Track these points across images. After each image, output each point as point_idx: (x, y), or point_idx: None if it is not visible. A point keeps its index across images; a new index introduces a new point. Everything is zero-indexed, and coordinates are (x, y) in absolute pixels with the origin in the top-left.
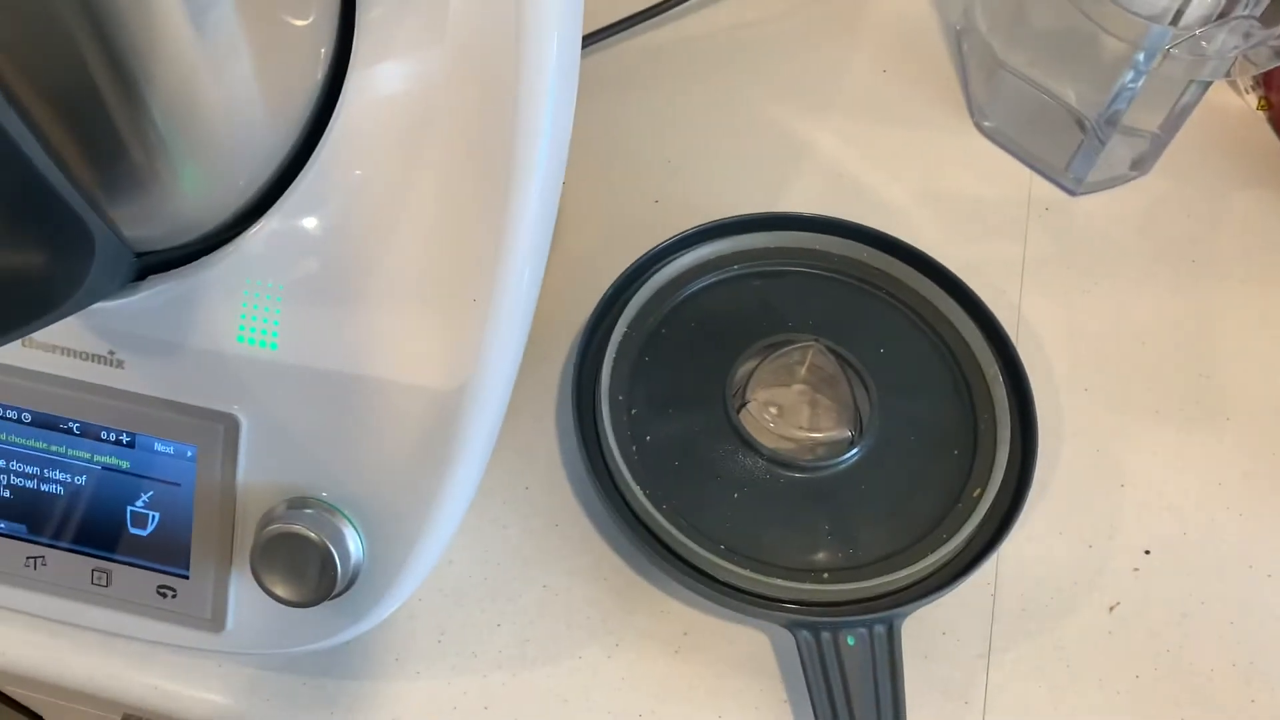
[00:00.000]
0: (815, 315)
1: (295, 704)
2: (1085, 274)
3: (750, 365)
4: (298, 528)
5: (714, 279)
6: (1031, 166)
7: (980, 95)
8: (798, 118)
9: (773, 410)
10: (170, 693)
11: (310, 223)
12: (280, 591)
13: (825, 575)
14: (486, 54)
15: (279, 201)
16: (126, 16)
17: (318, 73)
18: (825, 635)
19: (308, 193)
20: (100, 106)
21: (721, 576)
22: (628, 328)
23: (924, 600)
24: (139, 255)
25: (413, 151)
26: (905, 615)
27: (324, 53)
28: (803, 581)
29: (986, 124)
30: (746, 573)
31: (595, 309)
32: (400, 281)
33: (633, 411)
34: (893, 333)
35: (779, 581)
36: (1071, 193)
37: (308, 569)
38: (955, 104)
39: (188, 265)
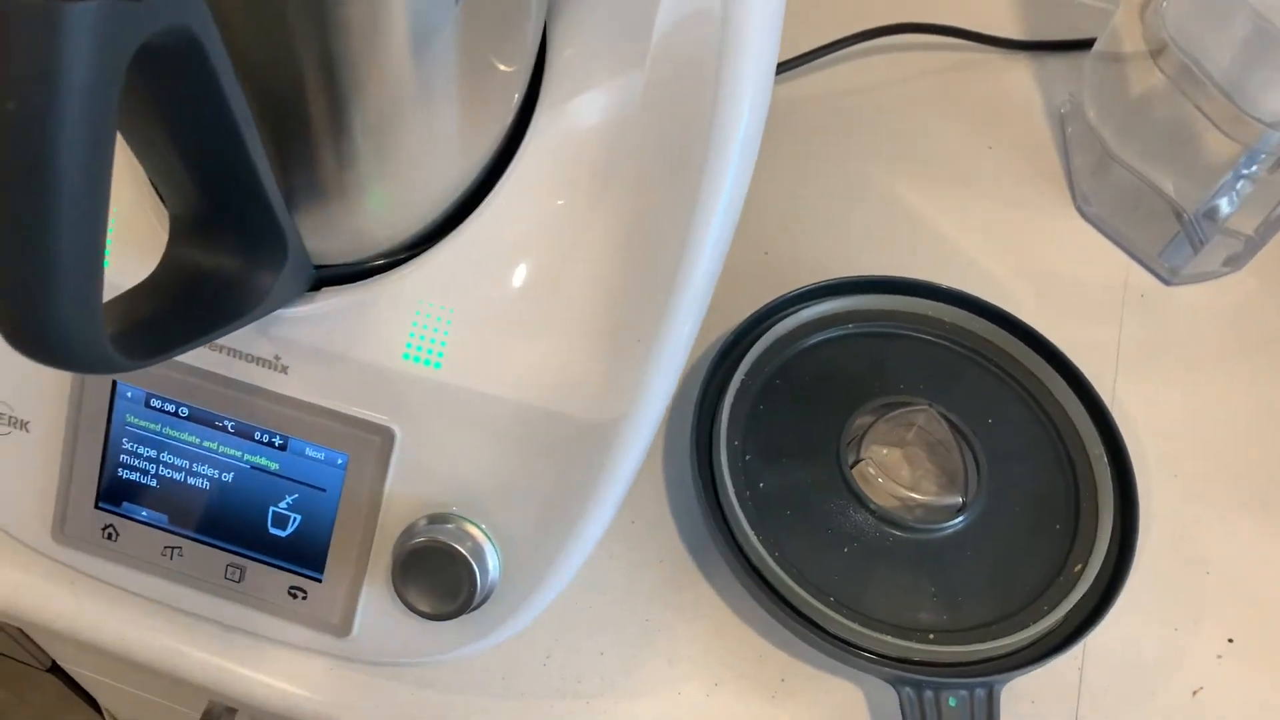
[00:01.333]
0: (926, 380)
1: (399, 713)
2: (1178, 362)
3: (864, 422)
4: (445, 541)
5: (829, 335)
6: (1129, 253)
7: (1083, 179)
8: (904, 185)
9: (885, 470)
10: (275, 689)
11: (487, 251)
12: (419, 603)
13: (930, 636)
14: (679, 99)
15: (458, 228)
16: (353, 37)
17: (511, 109)
18: (928, 694)
19: (487, 222)
20: (310, 121)
21: (831, 628)
22: (745, 376)
23: (1024, 669)
24: (317, 267)
25: (594, 189)
26: (1005, 682)
27: (518, 95)
28: (909, 640)
29: (1088, 208)
30: (856, 626)
31: (715, 356)
32: (569, 316)
33: (747, 458)
34: (1000, 404)
35: (887, 638)
36: (1167, 282)
37: (448, 583)
38: (1057, 184)
39: (362, 281)
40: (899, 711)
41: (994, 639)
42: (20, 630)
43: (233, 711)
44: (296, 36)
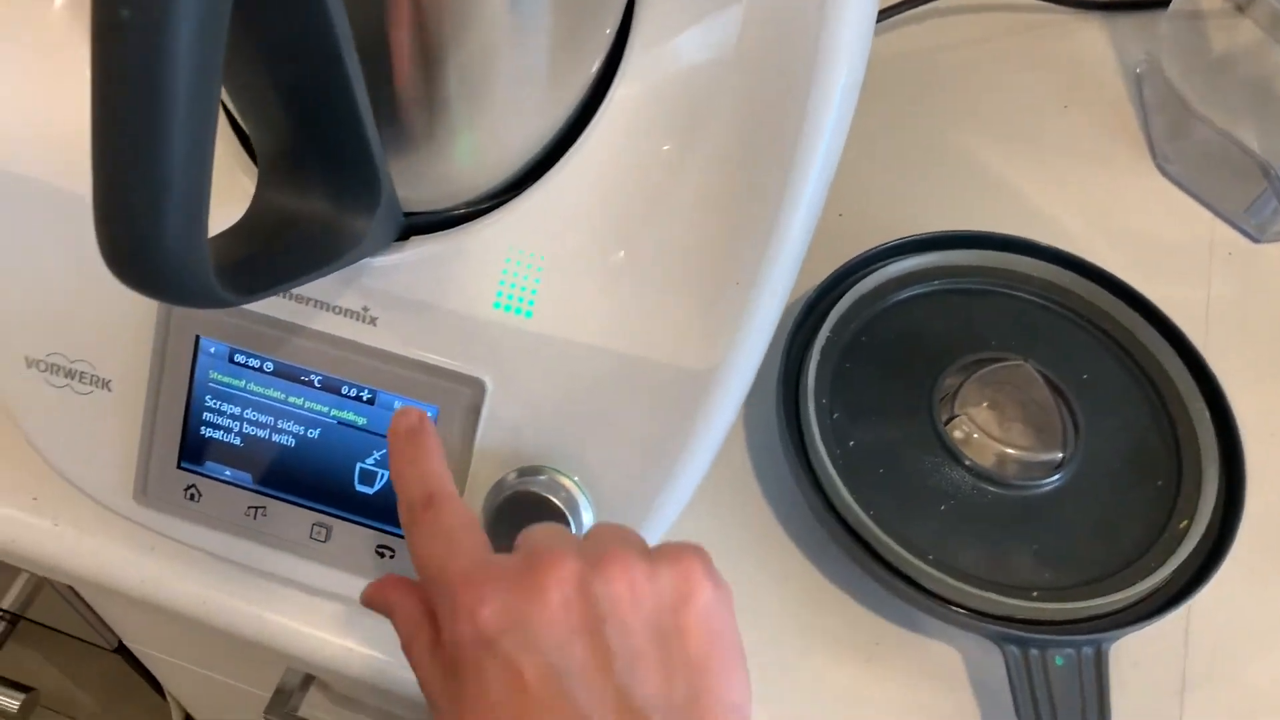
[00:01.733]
0: (1016, 336)
1: None
2: (1272, 320)
3: (956, 380)
4: (539, 492)
5: (915, 292)
6: (1214, 211)
7: (1162, 138)
8: (979, 143)
9: (980, 426)
10: (358, 654)
11: (578, 196)
12: None
13: (1034, 594)
14: (781, 35)
15: (549, 173)
16: None
17: (603, 52)
18: (1034, 652)
19: (579, 167)
20: (405, 63)
21: (933, 586)
22: (830, 333)
23: (1132, 627)
24: (405, 215)
25: (688, 130)
26: (1114, 640)
27: (609, 32)
28: (1012, 597)
29: (1169, 166)
30: (958, 584)
31: (798, 314)
32: (664, 260)
33: (835, 417)
34: (1094, 359)
35: (991, 595)
36: (1255, 240)
37: None
38: (1135, 143)
39: (452, 229)
40: (999, 674)
41: (1100, 596)
42: (89, 608)
43: (305, 688)
44: None
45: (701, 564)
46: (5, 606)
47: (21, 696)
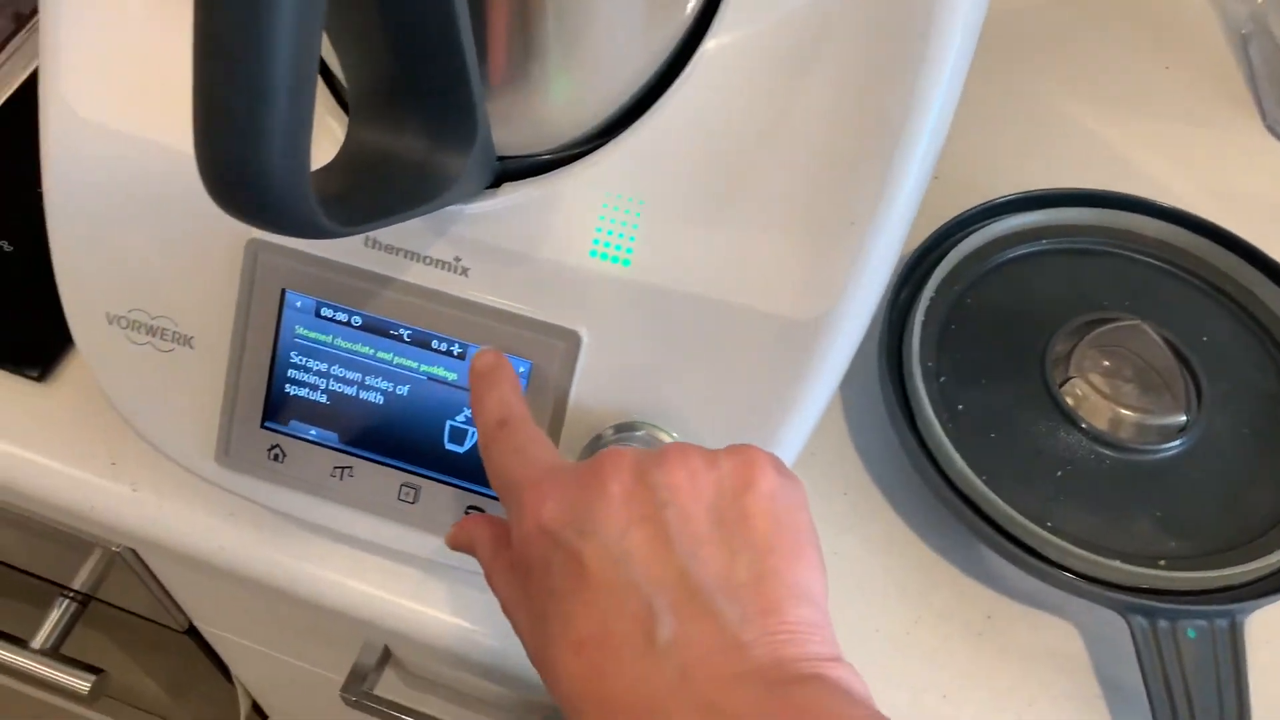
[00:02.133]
0: (1130, 297)
1: None
2: None
3: (1070, 342)
4: (637, 447)
5: (1022, 252)
6: None
7: (1271, 99)
8: (1078, 104)
9: (1096, 388)
10: (447, 624)
11: (679, 137)
12: None
13: (1161, 562)
14: None
15: (647, 114)
16: None
17: None
18: (1163, 624)
19: (679, 107)
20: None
21: (1053, 555)
22: (933, 294)
23: (1270, 598)
24: (499, 159)
25: (797, 66)
26: (1249, 612)
27: None
28: (1139, 565)
29: (1279, 127)
30: (1081, 552)
31: (899, 274)
32: (772, 203)
33: (941, 380)
34: (1214, 320)
35: (1115, 563)
36: None
37: None
38: (1242, 104)
39: (546, 174)
40: (1123, 649)
41: (1231, 565)
42: (160, 586)
43: (381, 668)
44: None
45: (765, 455)
46: (76, 587)
47: (92, 679)
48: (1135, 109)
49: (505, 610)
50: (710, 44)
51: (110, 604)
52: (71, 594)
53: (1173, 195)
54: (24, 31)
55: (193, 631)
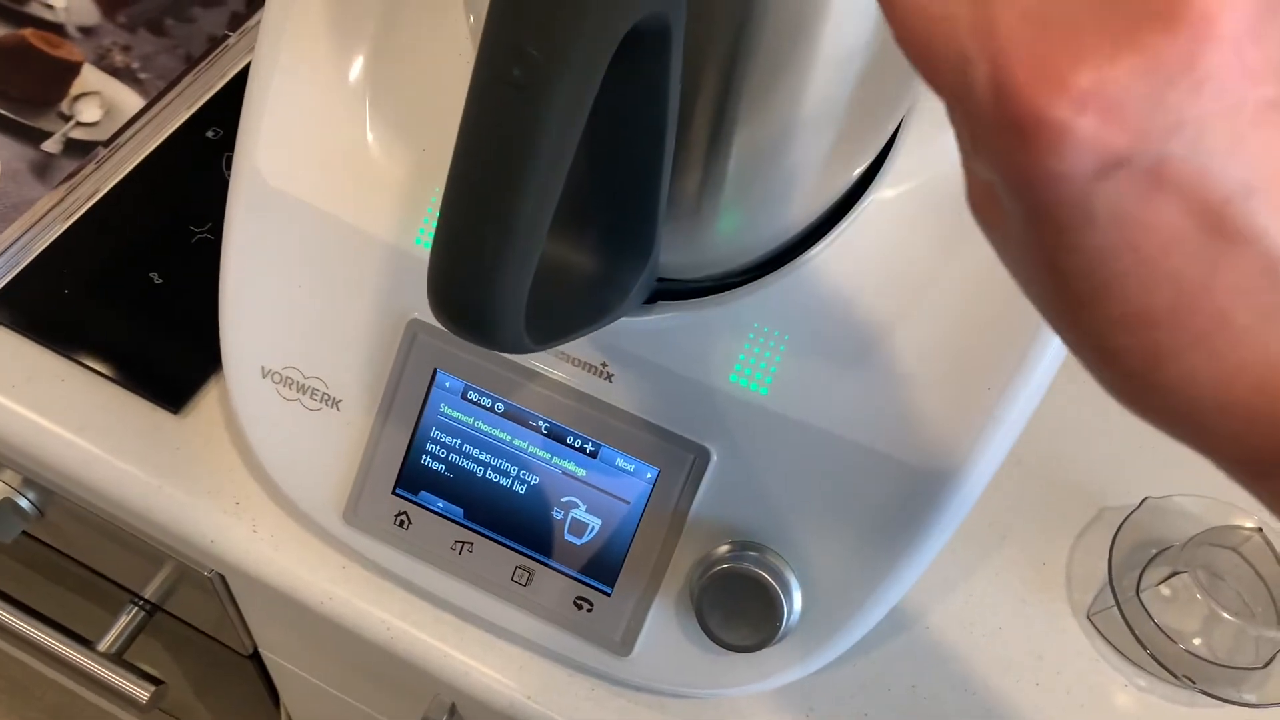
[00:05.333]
0: None
1: None
2: None
3: None
4: (755, 570)
5: None
6: None
7: None
8: None
9: None
10: (533, 709)
11: (832, 281)
12: (723, 632)
13: None
14: None
15: (804, 255)
16: (770, 54)
17: (879, 146)
18: None
19: (836, 251)
20: (695, 136)
21: None
22: None
23: None
24: (657, 280)
25: (954, 226)
26: None
27: (891, 127)
28: None
29: None
30: None
31: None
32: (912, 356)
33: None
34: None
35: None
36: None
37: (755, 614)
38: None
39: (701, 298)
40: None
41: None
42: (235, 607)
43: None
44: (720, 43)
45: None
46: (146, 596)
47: (152, 689)
48: None
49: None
50: (873, 197)
51: (176, 616)
52: (141, 602)
53: None
54: (192, 72)
55: (254, 656)
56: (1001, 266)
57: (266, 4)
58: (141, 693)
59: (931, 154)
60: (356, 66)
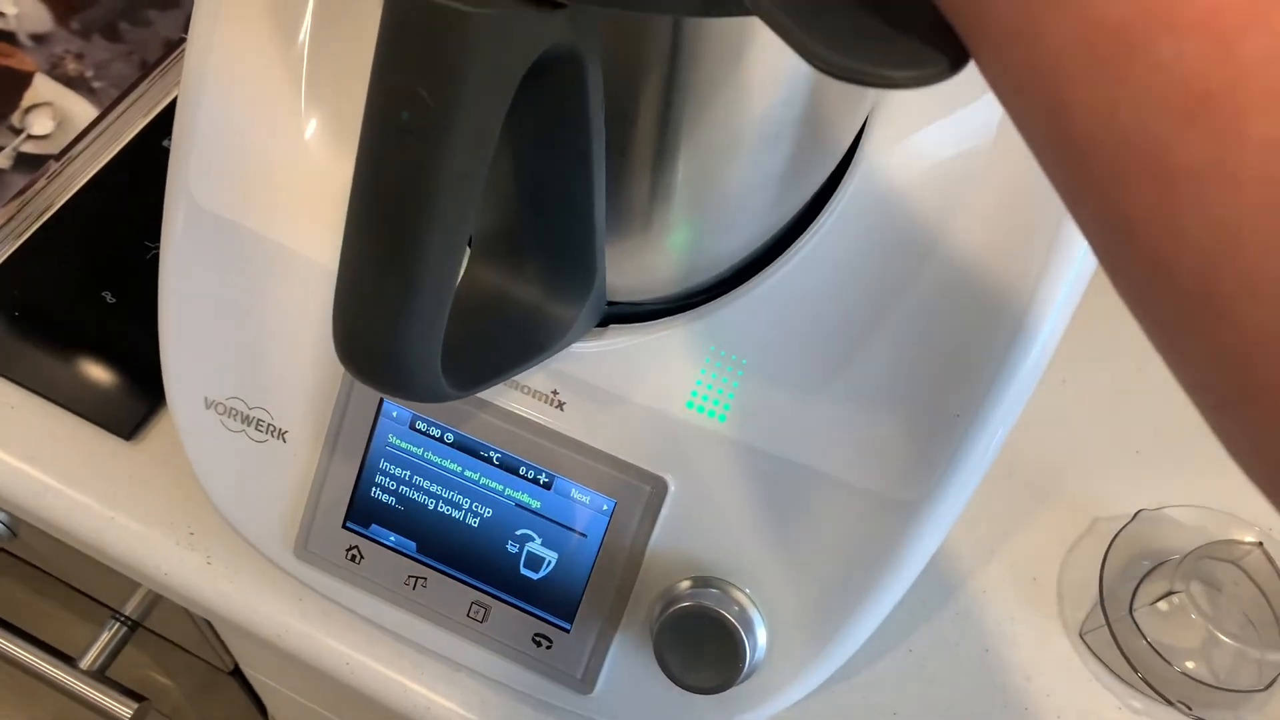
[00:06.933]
0: None
1: None
2: None
3: None
4: (716, 609)
5: None
6: None
7: None
8: None
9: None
10: None
11: (789, 304)
12: (683, 673)
13: None
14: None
15: (760, 275)
16: (706, 75)
17: (834, 161)
18: None
19: (793, 273)
20: (637, 156)
21: None
22: None
23: None
24: (607, 304)
25: (917, 247)
26: None
27: (847, 141)
28: None
29: None
30: None
31: None
32: (876, 380)
33: None
34: None
35: None
36: None
37: (715, 655)
38: None
39: (653, 321)
40: None
41: None
42: (212, 630)
43: None
44: (652, 68)
45: None
46: (127, 613)
47: (135, 705)
48: None
49: None
50: (832, 213)
51: (157, 633)
52: (122, 619)
53: None
54: (148, 79)
55: (236, 673)
56: (964, 288)
57: (194, 9)
58: (124, 710)
59: (895, 162)
60: (291, 78)
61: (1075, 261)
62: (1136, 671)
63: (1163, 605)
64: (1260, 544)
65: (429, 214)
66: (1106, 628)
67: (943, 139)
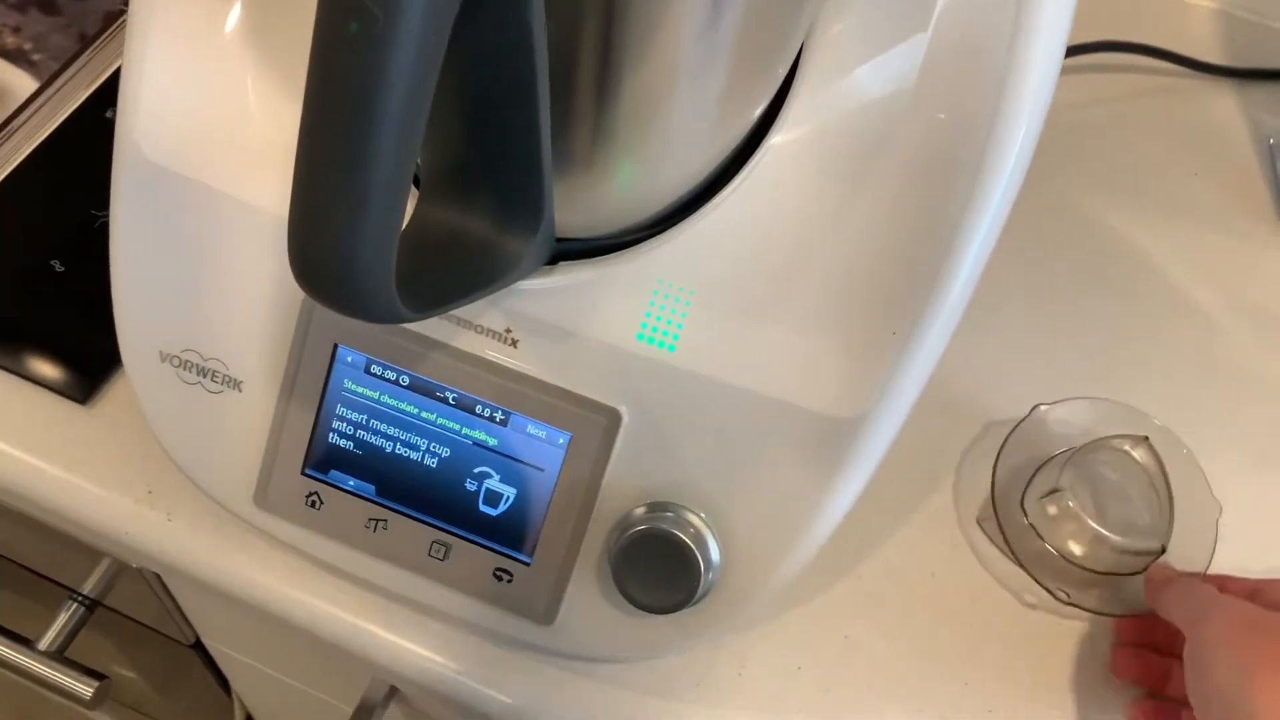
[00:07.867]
0: None
1: (587, 712)
2: None
3: None
4: (671, 530)
5: None
6: None
7: None
8: (1106, 203)
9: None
10: (464, 685)
11: (734, 233)
12: (640, 594)
13: None
14: (959, 85)
15: (704, 207)
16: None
17: (773, 90)
18: None
19: (736, 203)
20: (578, 87)
21: None
22: None
23: None
24: (556, 240)
25: (853, 173)
26: None
27: (782, 71)
28: None
29: None
30: None
31: None
32: (817, 304)
33: None
34: None
35: None
36: None
37: (672, 574)
38: (1267, 216)
39: (602, 256)
40: None
41: None
42: (172, 600)
43: (387, 704)
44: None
45: None
46: (85, 592)
47: (95, 684)
48: (1161, 213)
49: None
50: (771, 144)
51: (117, 611)
52: (80, 598)
53: (1198, 305)
54: (89, 51)
55: (198, 646)
56: (899, 211)
57: None
58: (84, 689)
59: (829, 96)
60: (235, 23)
61: (1000, 187)
62: (1025, 569)
63: (1051, 507)
64: (1146, 438)
65: (379, 124)
66: (997, 526)
67: (873, 75)
